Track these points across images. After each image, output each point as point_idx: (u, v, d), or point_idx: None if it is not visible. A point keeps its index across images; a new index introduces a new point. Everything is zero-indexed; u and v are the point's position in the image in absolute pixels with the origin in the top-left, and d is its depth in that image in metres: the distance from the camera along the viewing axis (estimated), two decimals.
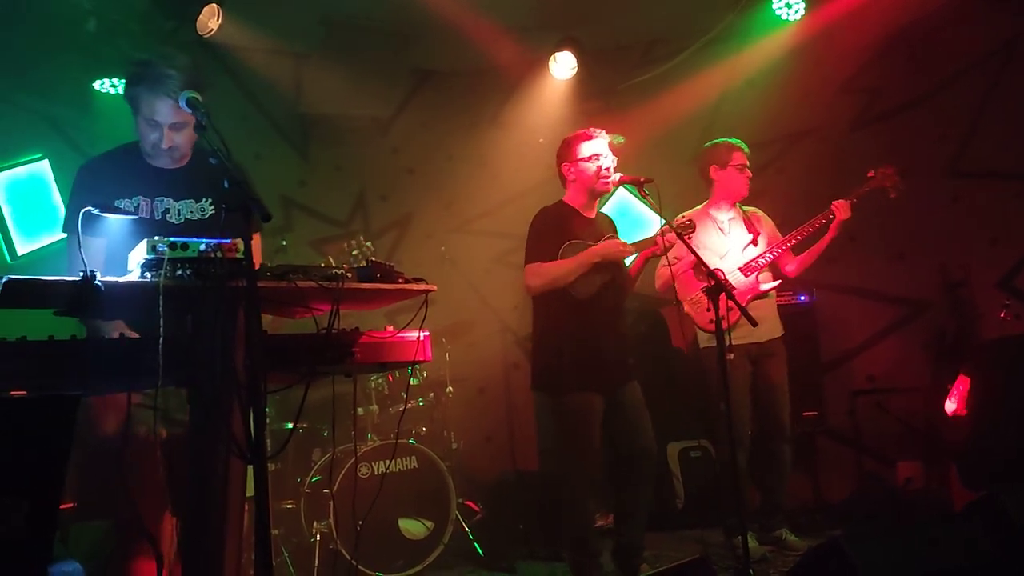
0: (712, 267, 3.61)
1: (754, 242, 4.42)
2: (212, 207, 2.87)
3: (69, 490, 3.01)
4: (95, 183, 2.77)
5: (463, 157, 6.46)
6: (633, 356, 3.94)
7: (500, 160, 6.44)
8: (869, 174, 4.44)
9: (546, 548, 4.73)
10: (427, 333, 2.52)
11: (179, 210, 2.81)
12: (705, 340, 4.39)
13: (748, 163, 4.52)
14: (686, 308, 4.36)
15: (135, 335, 2.16)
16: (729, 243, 4.45)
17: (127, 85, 2.78)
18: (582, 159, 3.86)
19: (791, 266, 4.53)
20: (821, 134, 5.92)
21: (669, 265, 4.09)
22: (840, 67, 5.85)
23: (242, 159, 2.28)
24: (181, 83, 2.66)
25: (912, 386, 5.44)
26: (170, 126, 2.74)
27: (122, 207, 2.72)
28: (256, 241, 3.03)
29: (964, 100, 5.60)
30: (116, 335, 2.15)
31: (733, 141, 4.56)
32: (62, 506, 2.10)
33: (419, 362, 2.56)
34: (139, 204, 2.76)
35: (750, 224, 4.50)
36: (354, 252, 4.58)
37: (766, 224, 4.60)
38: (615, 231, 4.05)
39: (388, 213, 6.50)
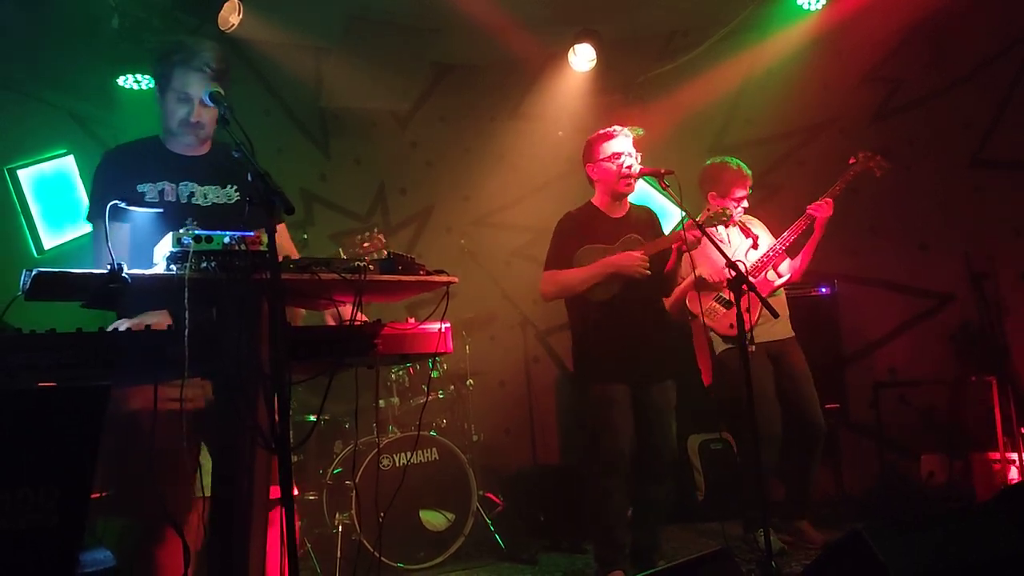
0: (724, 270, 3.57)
1: (754, 246, 4.39)
2: (237, 193, 2.89)
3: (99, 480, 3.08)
4: (118, 170, 2.79)
5: (482, 150, 6.47)
6: (668, 354, 3.92)
7: (519, 153, 6.45)
8: (851, 160, 4.41)
9: (567, 540, 4.75)
10: (448, 325, 2.53)
11: (205, 194, 2.82)
12: (722, 343, 4.38)
13: (750, 191, 4.44)
14: (703, 320, 4.33)
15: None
16: (731, 250, 4.40)
17: (158, 62, 2.81)
18: (603, 159, 3.85)
19: (785, 269, 4.48)
20: (842, 125, 5.87)
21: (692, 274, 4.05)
22: (861, 57, 5.81)
23: (263, 154, 2.30)
24: (212, 59, 2.74)
25: (935, 379, 5.39)
26: (201, 100, 2.78)
27: (146, 192, 2.74)
28: (283, 230, 3.06)
29: (987, 90, 5.54)
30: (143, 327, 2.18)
31: (739, 167, 4.44)
32: (93, 495, 2.13)
33: (440, 354, 2.57)
34: (163, 188, 2.77)
35: (746, 230, 4.47)
36: (365, 244, 4.61)
37: (759, 227, 4.56)
38: (654, 222, 4.01)
39: (408, 206, 6.52)
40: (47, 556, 1.63)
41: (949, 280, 5.52)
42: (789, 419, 4.32)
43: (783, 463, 4.36)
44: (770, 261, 4.37)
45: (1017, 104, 5.45)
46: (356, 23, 5.54)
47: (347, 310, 2.41)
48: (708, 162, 4.56)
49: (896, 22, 5.48)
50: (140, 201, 2.71)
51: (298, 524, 2.95)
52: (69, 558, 1.67)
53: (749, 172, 4.45)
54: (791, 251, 4.44)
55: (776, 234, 4.47)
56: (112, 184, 2.74)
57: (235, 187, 2.89)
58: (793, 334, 4.45)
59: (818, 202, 4.31)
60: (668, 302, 4.18)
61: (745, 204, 4.44)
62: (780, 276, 4.41)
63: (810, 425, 4.32)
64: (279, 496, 2.01)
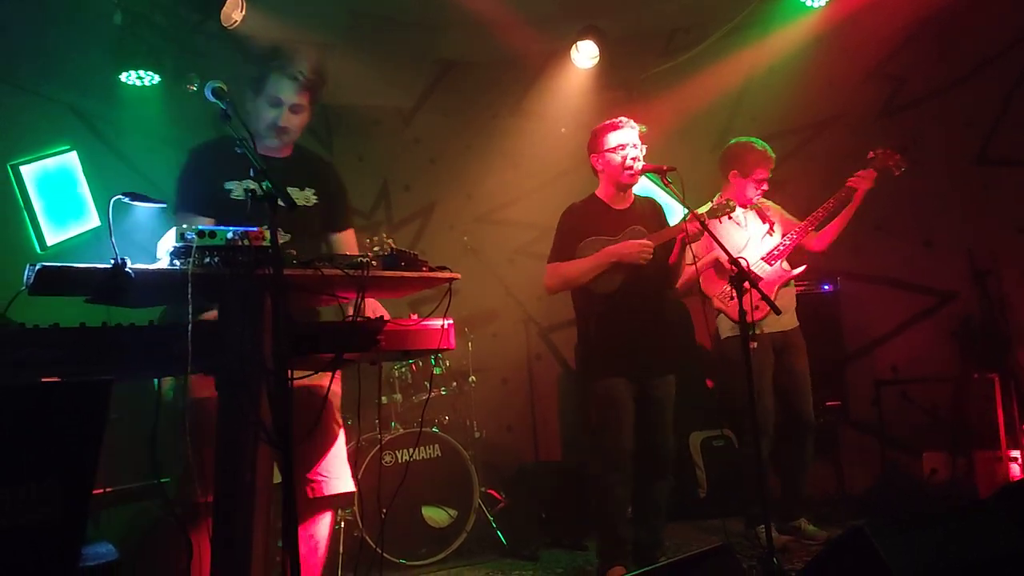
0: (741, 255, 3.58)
1: (770, 231, 4.40)
2: (316, 196, 2.95)
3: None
4: (206, 165, 2.86)
5: (485, 147, 6.47)
6: (670, 348, 3.92)
7: (522, 150, 6.44)
8: (870, 155, 4.41)
9: (569, 537, 4.75)
10: (451, 321, 2.53)
11: None
12: (727, 330, 4.36)
13: (770, 175, 4.44)
14: (716, 304, 4.34)
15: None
16: (747, 234, 4.42)
17: (255, 64, 2.89)
18: (608, 150, 3.85)
19: (816, 242, 4.47)
20: (846, 122, 5.86)
21: (694, 263, 4.06)
22: (866, 54, 5.79)
23: None
24: (307, 68, 2.83)
25: (937, 376, 5.38)
26: (291, 107, 2.87)
27: (232, 188, 2.81)
28: (351, 235, 3.16)
29: (992, 87, 5.52)
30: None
31: (764, 149, 4.43)
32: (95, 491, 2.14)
33: (443, 350, 2.57)
34: (248, 186, 2.82)
35: (763, 214, 4.48)
36: (375, 249, 4.61)
37: (776, 212, 4.56)
38: (659, 214, 4.00)
39: (411, 203, 6.52)
40: (50, 551, 1.64)
41: (952, 277, 5.51)
42: (783, 414, 4.33)
43: (776, 459, 4.37)
44: (786, 250, 4.38)
45: (1022, 101, 5.43)
46: (358, 19, 5.53)
47: (368, 305, 2.44)
48: (732, 141, 4.56)
49: (901, 18, 5.47)
50: (145, 198, 2.72)
51: (332, 521, 2.97)
52: (72, 553, 1.68)
53: (773, 155, 4.45)
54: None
55: (790, 227, 4.47)
56: (201, 179, 2.82)
57: (313, 190, 2.93)
58: (798, 324, 4.46)
59: (859, 173, 4.31)
60: (680, 280, 4.20)
61: (765, 187, 4.44)
62: (794, 267, 4.42)
63: (798, 421, 4.34)
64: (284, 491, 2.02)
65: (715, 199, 4.40)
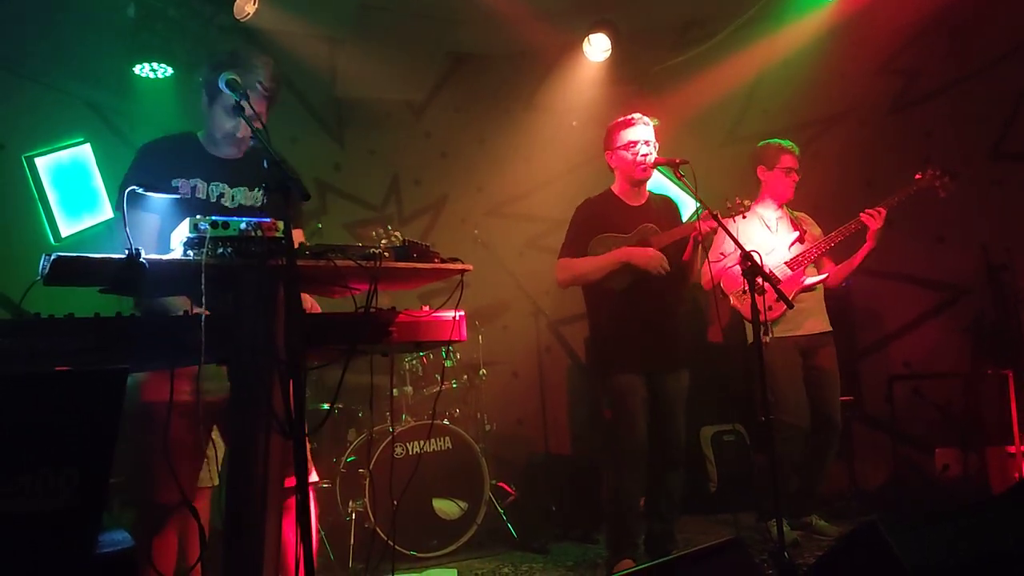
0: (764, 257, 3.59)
1: (800, 240, 4.40)
2: (264, 197, 2.92)
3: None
4: (154, 162, 2.82)
5: (496, 141, 6.46)
6: (682, 344, 3.92)
7: (533, 143, 6.43)
8: (916, 176, 4.37)
9: (579, 530, 4.76)
10: (462, 313, 2.54)
11: (233, 195, 2.86)
12: (752, 335, 4.36)
13: (797, 166, 4.49)
14: (733, 302, 4.34)
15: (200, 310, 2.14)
16: (776, 240, 4.43)
17: (212, 71, 2.77)
18: (620, 147, 3.87)
19: (831, 277, 4.48)
20: (858, 116, 5.84)
21: (718, 260, 4.07)
22: (878, 48, 5.76)
23: (278, 143, 2.32)
24: (265, 77, 2.76)
25: (950, 372, 5.36)
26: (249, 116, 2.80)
27: (179, 187, 2.76)
28: (297, 235, 3.09)
29: (1005, 82, 5.48)
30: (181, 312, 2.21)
31: (784, 143, 4.52)
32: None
33: (454, 341, 2.57)
34: (195, 186, 2.81)
35: (796, 224, 4.49)
36: (382, 241, 4.61)
37: (812, 227, 4.57)
38: (673, 212, 4.02)
39: (422, 197, 6.52)
40: (67, 536, 1.65)
41: (966, 273, 5.48)
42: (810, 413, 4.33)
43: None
44: (812, 260, 4.37)
45: None
46: (371, 13, 5.53)
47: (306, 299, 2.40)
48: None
49: (912, 13, 5.43)
50: (161, 187, 2.72)
51: (316, 510, 2.98)
52: (89, 538, 1.69)
53: (796, 148, 4.52)
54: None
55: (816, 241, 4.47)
56: (148, 175, 2.75)
57: (262, 191, 2.91)
58: (830, 329, 4.45)
59: (872, 210, 4.27)
60: (704, 279, 4.19)
61: (796, 176, 4.49)
62: (820, 274, 4.42)
63: (824, 421, 4.33)
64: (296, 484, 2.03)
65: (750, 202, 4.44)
